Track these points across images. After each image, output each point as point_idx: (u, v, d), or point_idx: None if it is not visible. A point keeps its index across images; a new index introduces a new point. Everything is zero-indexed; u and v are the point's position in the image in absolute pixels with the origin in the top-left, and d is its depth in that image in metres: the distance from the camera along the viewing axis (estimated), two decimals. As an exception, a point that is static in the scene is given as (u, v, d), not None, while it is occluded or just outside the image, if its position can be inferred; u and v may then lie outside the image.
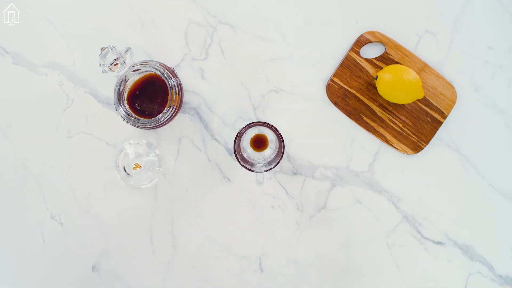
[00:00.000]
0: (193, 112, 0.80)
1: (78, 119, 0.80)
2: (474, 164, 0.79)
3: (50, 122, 0.80)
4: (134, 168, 0.75)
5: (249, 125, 0.70)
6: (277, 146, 0.73)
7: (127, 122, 0.73)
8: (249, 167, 0.71)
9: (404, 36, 0.79)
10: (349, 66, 0.79)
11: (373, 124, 0.79)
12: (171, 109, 0.73)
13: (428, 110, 0.78)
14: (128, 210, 0.80)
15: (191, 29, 0.79)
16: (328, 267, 0.80)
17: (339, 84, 0.79)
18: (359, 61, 0.79)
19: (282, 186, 0.80)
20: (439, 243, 0.80)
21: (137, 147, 0.77)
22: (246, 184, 0.80)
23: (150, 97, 0.73)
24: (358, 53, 0.78)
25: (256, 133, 0.76)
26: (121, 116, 0.73)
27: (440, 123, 0.78)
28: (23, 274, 0.80)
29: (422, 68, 0.78)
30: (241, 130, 0.69)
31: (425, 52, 0.79)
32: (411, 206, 0.80)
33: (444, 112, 0.78)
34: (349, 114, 0.79)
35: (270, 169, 0.70)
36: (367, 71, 0.79)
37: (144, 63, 0.72)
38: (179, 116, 0.79)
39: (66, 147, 0.80)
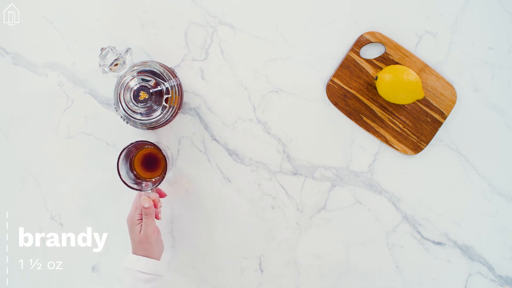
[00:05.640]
0: (193, 113, 0.80)
1: (78, 119, 0.80)
2: (474, 164, 0.79)
3: (50, 122, 0.80)
4: (141, 98, 0.71)
5: (133, 144, 0.68)
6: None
7: (127, 122, 0.73)
8: (137, 187, 0.69)
9: (404, 36, 0.79)
10: (349, 67, 0.78)
11: (373, 124, 0.79)
12: (171, 109, 0.73)
13: (428, 110, 0.78)
14: (128, 210, 0.80)
15: (191, 29, 0.79)
16: (328, 267, 0.80)
17: (339, 85, 0.79)
18: (359, 62, 0.79)
19: (282, 186, 0.80)
20: (439, 243, 0.80)
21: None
22: (246, 185, 0.80)
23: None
24: (358, 54, 0.78)
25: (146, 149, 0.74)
26: (121, 117, 0.73)
27: (440, 124, 0.78)
28: (23, 274, 0.80)
29: (422, 68, 0.78)
30: (124, 149, 0.67)
31: (425, 52, 0.79)
32: (411, 207, 0.80)
33: (444, 112, 0.78)
34: (349, 114, 0.79)
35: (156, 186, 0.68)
36: (367, 72, 0.79)
37: (144, 63, 0.72)
38: (179, 116, 0.79)
39: (66, 147, 0.80)
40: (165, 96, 0.72)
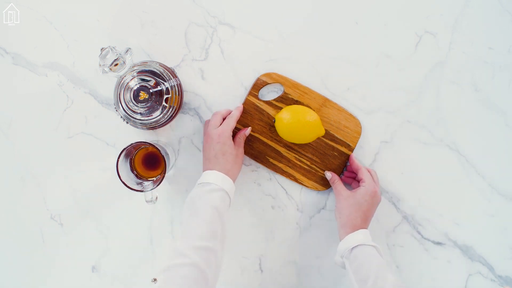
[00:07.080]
0: (193, 113, 0.80)
1: (78, 119, 0.80)
2: (474, 164, 0.79)
3: (50, 122, 0.80)
4: (141, 98, 0.71)
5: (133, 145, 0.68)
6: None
7: (127, 122, 0.73)
8: (139, 188, 0.68)
9: (404, 36, 0.79)
10: (249, 111, 0.77)
11: (280, 165, 0.78)
12: (171, 109, 0.73)
13: (334, 144, 0.77)
14: (128, 210, 0.80)
15: (191, 29, 0.79)
16: (328, 267, 0.80)
17: (240, 129, 0.77)
18: (258, 104, 0.77)
19: (282, 186, 0.80)
20: (439, 243, 0.80)
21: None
22: (246, 185, 0.80)
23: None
24: (256, 97, 0.77)
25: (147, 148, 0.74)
26: (121, 117, 0.73)
27: (348, 156, 0.78)
28: (23, 274, 0.80)
29: (323, 103, 0.77)
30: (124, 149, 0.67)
31: (425, 52, 0.79)
32: (411, 207, 0.80)
33: (350, 144, 0.77)
34: (255, 158, 0.78)
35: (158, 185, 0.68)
36: (268, 113, 0.77)
37: (144, 63, 0.72)
38: (179, 116, 0.79)
39: (66, 147, 0.80)
40: (165, 96, 0.72)
